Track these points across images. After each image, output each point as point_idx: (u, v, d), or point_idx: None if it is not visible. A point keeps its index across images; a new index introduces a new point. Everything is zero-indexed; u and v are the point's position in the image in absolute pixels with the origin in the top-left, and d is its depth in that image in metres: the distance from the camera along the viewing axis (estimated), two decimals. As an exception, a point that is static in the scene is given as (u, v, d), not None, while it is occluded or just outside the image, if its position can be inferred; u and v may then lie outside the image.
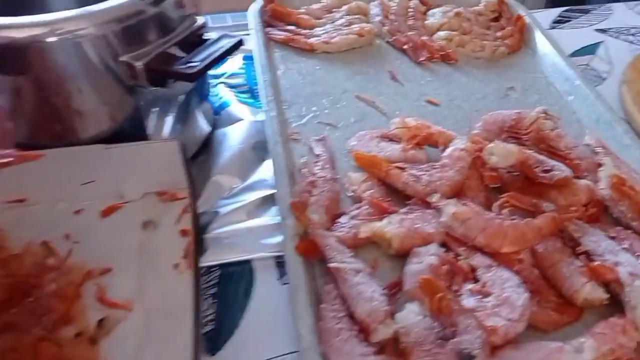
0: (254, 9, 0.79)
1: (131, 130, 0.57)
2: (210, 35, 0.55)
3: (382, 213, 0.53)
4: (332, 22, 0.79)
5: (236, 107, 0.69)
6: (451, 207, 0.52)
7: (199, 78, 0.50)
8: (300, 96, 0.69)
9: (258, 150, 0.64)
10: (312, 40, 0.76)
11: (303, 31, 0.78)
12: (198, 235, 0.48)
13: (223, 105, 0.69)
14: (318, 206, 0.53)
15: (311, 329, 0.45)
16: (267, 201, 0.58)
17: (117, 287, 0.50)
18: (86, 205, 0.55)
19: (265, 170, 0.62)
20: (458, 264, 0.49)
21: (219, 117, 0.68)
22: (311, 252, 0.50)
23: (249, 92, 0.72)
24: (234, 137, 0.65)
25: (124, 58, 0.49)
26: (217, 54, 0.50)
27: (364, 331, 0.45)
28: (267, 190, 0.59)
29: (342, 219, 0.53)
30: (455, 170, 0.55)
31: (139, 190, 0.57)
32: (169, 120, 0.60)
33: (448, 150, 0.57)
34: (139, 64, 0.49)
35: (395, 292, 0.49)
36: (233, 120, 0.67)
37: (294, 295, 0.47)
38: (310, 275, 0.49)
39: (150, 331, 0.47)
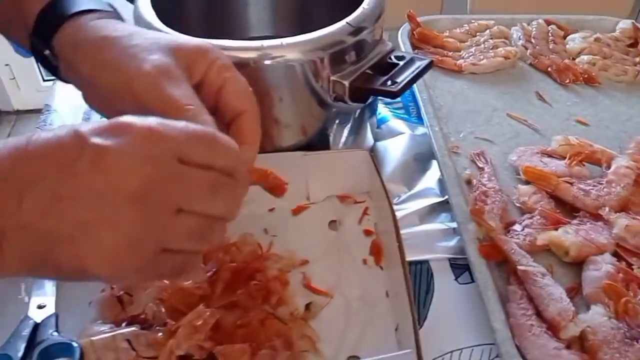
0: (403, 32, 0.85)
1: (317, 142, 0.64)
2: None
3: (555, 223, 0.57)
4: (477, 45, 0.84)
5: (394, 122, 0.75)
6: (624, 220, 0.55)
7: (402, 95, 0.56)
8: (454, 113, 0.74)
9: (419, 161, 0.70)
10: (460, 62, 0.81)
11: (450, 53, 0.83)
12: (399, 231, 0.53)
13: (383, 120, 0.75)
14: (493, 214, 0.58)
15: (504, 324, 0.49)
16: (436, 208, 0.64)
17: (316, 276, 0.56)
18: (278, 204, 0.62)
19: (429, 180, 0.67)
20: (633, 272, 0.53)
21: (380, 130, 0.74)
22: (493, 255, 0.55)
23: (403, 108, 0.78)
24: (395, 149, 0.71)
25: (334, 77, 0.56)
26: (415, 73, 0.56)
27: (552, 328, 0.49)
28: (435, 198, 0.64)
29: (516, 227, 0.58)
30: (621, 186, 0.59)
31: (323, 194, 0.63)
32: (345, 132, 0.66)
33: (613, 167, 0.61)
34: (346, 82, 0.56)
35: (573, 295, 0.53)
36: (393, 133, 0.73)
37: (484, 293, 0.51)
38: (492, 276, 0.54)
39: (351, 317, 0.53)
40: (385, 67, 0.59)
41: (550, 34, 0.86)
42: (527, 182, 0.63)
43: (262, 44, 0.55)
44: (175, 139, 0.34)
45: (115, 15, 0.49)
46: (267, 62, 0.55)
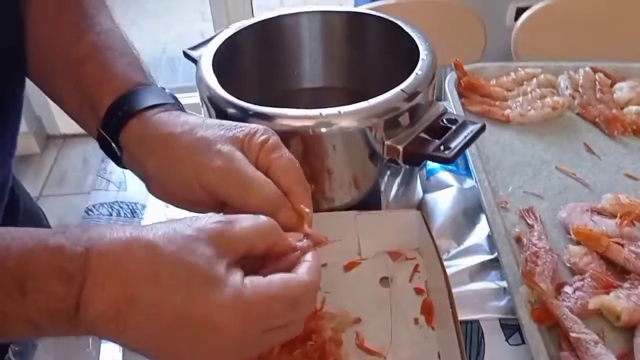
0: (450, 81, 0.87)
1: (369, 196, 0.66)
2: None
3: (606, 287, 0.58)
4: (524, 95, 0.85)
5: (442, 174, 0.76)
6: (678, 287, 0.55)
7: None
8: (502, 166, 0.75)
9: (468, 216, 0.71)
10: (507, 112, 0.82)
11: (497, 103, 0.84)
12: (451, 292, 0.55)
13: (432, 172, 0.76)
14: (544, 276, 0.59)
15: (557, 392, 0.50)
16: (486, 265, 0.65)
17: (369, 335, 0.58)
18: (331, 260, 0.64)
19: (479, 235, 0.68)
20: (689, 341, 0.53)
21: (429, 182, 0.75)
22: (545, 319, 0.56)
23: (451, 159, 0.79)
24: (444, 202, 0.72)
25: (388, 142, 0.58)
26: (468, 138, 0.57)
27: (606, 398, 0.50)
28: (485, 255, 0.66)
29: (567, 289, 0.59)
30: (675, 249, 0.59)
31: (374, 250, 0.65)
32: (396, 185, 0.68)
33: (666, 230, 0.61)
34: (400, 147, 0.57)
35: (625, 362, 0.53)
36: (441, 185, 0.75)
37: None
38: (544, 339, 0.55)
39: (403, 379, 0.54)
40: (438, 130, 0.60)
41: (597, 83, 0.87)
42: (577, 242, 0.63)
43: (320, 112, 0.57)
44: (271, 314, 0.38)
45: (177, 106, 0.51)
46: (325, 129, 0.57)
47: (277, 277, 0.38)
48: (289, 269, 0.40)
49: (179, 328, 0.36)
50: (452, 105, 0.83)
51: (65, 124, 2.52)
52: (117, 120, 0.48)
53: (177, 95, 0.53)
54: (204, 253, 0.37)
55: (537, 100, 0.83)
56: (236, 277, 0.37)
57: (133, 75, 0.51)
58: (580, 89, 0.86)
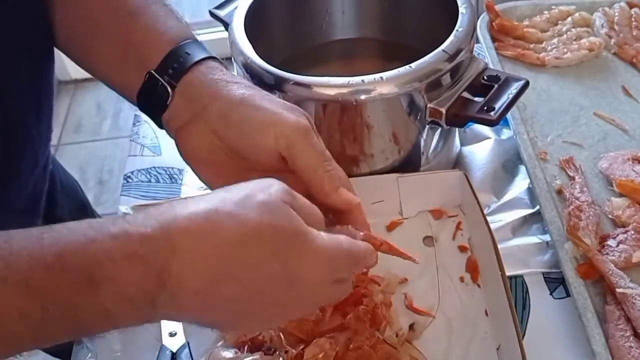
0: (482, 24, 0.84)
1: (408, 157, 0.65)
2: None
3: (650, 239, 0.58)
4: (559, 36, 0.82)
5: (479, 125, 0.75)
6: None
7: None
8: (540, 114, 0.74)
9: (507, 168, 0.71)
10: (542, 55, 0.80)
11: (531, 46, 0.82)
12: (497, 248, 0.56)
13: (468, 124, 0.75)
14: (588, 230, 0.59)
15: (604, 347, 0.52)
16: (528, 219, 0.65)
17: (417, 295, 0.59)
18: (373, 221, 0.65)
19: (518, 188, 0.68)
20: None
21: (465, 134, 0.75)
22: (590, 274, 0.57)
23: (487, 108, 0.78)
24: (481, 155, 0.72)
25: (431, 105, 0.57)
26: (512, 97, 0.57)
27: (652, 351, 0.52)
28: (526, 209, 0.66)
29: (611, 242, 0.59)
30: None
31: (416, 209, 0.66)
32: (435, 140, 0.67)
33: None
34: (443, 110, 0.57)
35: (670, 314, 0.55)
36: (478, 137, 0.74)
37: (584, 315, 0.54)
38: (589, 294, 0.56)
39: (452, 336, 0.56)
40: (480, 88, 0.59)
41: (633, 19, 0.84)
42: (620, 193, 0.63)
43: (362, 79, 0.56)
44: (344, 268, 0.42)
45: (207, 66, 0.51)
46: (365, 96, 0.57)
47: (343, 237, 0.41)
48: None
49: (271, 285, 0.37)
50: (485, 50, 0.81)
51: (76, 69, 2.48)
52: (155, 104, 0.51)
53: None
54: (285, 211, 0.37)
55: (573, 42, 0.81)
56: (313, 229, 0.39)
57: (179, 30, 0.52)
58: (616, 27, 0.83)
